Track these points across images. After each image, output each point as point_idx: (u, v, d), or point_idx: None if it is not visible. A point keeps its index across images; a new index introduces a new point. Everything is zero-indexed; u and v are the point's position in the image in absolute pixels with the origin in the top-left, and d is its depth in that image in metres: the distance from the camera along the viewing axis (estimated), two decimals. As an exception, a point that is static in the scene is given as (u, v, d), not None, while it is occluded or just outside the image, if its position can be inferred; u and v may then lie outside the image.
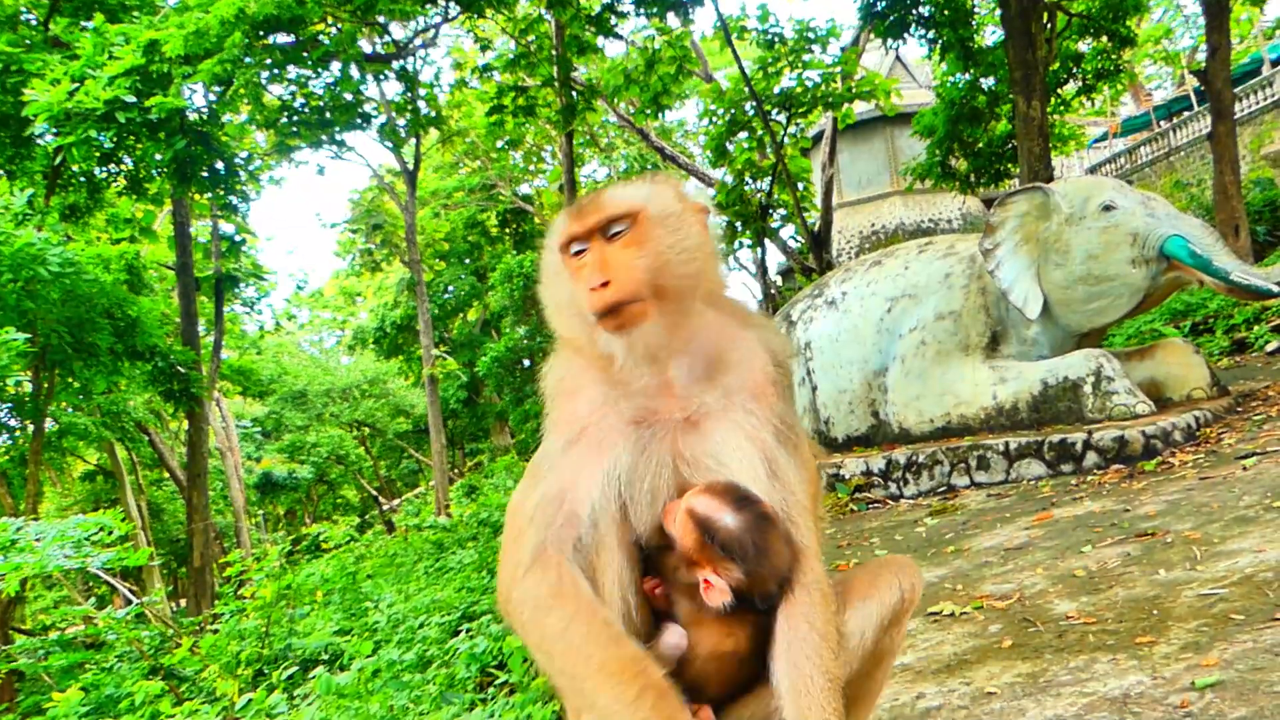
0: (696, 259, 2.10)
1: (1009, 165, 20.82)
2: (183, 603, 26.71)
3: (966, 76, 20.47)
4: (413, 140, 26.35)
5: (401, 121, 21.03)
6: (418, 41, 21.14)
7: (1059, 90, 20.11)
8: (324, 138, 15.56)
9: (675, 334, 2.07)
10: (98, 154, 13.59)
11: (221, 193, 16.04)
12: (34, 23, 17.03)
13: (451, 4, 16.63)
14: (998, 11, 16.37)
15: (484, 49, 21.47)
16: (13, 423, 18.52)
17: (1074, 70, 20.04)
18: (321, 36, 14.04)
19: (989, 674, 3.57)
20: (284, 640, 8.34)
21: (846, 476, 8.53)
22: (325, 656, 7.95)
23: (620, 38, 19.73)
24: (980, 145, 21.14)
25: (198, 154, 14.15)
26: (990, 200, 23.31)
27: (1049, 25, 16.24)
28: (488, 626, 6.13)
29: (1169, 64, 41.31)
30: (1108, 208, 8.25)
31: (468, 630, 6.69)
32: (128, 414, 24.95)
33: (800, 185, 23.90)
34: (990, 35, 21.59)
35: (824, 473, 8.57)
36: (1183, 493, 5.78)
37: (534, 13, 19.76)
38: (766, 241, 25.59)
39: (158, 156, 14.11)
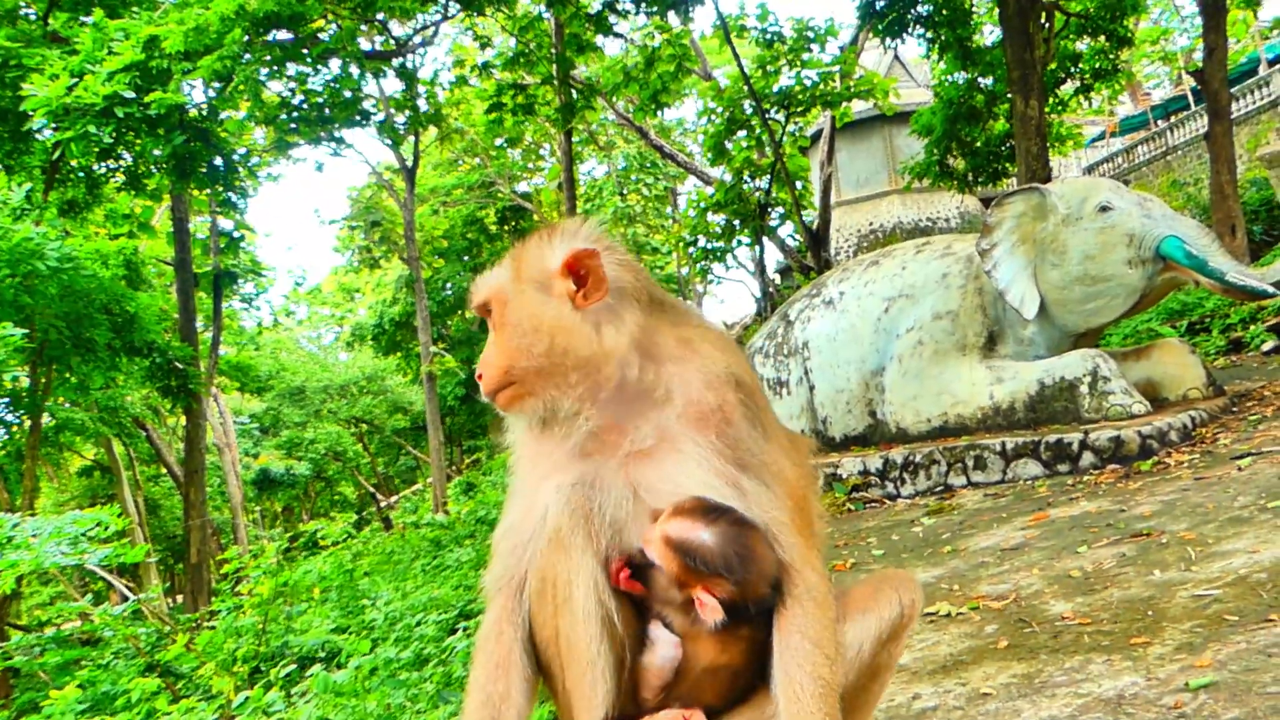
0: (545, 337, 2.06)
1: (1007, 164, 20.82)
2: (179, 599, 26.67)
3: (965, 76, 20.48)
4: (411, 137, 26.35)
5: (400, 118, 21.02)
6: (417, 39, 21.13)
7: (1057, 90, 20.11)
8: (323, 134, 15.57)
9: (579, 393, 2.06)
10: (96, 149, 13.58)
11: (220, 189, 16.06)
12: (33, 17, 17.04)
13: (451, 2, 16.62)
14: (996, 11, 16.38)
15: (483, 47, 21.47)
16: (10, 418, 18.52)
17: (1072, 70, 20.04)
18: (321, 34, 14.04)
19: (985, 675, 3.58)
20: (281, 637, 8.36)
21: (844, 476, 8.54)
22: (322, 654, 7.96)
23: (620, 36, 19.75)
24: (978, 144, 21.14)
25: (197, 150, 14.15)
26: (988, 199, 23.32)
27: (1047, 25, 16.26)
28: (485, 625, 6.12)
29: (1166, 63, 41.34)
30: (1104, 208, 8.27)
31: (465, 629, 6.71)
32: (125, 409, 24.95)
33: (799, 184, 23.94)
34: (988, 35, 21.60)
35: (820, 473, 8.58)
36: (1178, 493, 5.80)
37: (534, 11, 19.75)
38: (765, 240, 25.61)
39: (156, 152, 14.09)
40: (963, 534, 6.20)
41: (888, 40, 19.84)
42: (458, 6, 16.91)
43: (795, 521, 2.05)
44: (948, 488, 8.02)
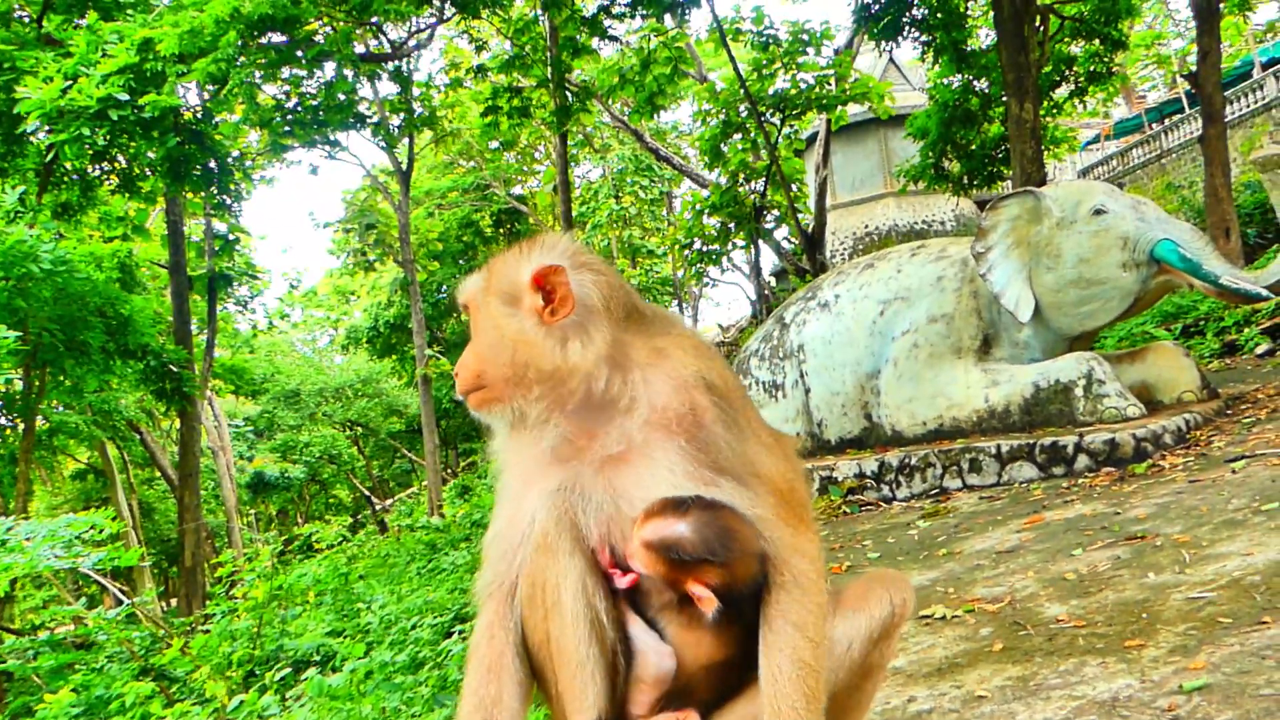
0: (508, 350, 2.10)
1: (1002, 167, 20.87)
2: (173, 603, 26.63)
3: (959, 79, 20.53)
4: (406, 140, 26.34)
5: (395, 121, 21.02)
6: (412, 42, 21.13)
7: (1051, 93, 20.18)
8: (317, 137, 15.56)
9: (545, 403, 2.09)
10: (91, 152, 13.58)
11: (215, 191, 16.04)
12: (27, 20, 17.00)
13: (447, 5, 16.62)
14: (991, 14, 16.41)
15: (479, 50, 21.47)
16: (3, 420, 18.48)
17: (1066, 73, 20.11)
18: (317, 36, 14.03)
19: (980, 677, 3.58)
20: (276, 641, 8.33)
21: (839, 479, 8.55)
22: (317, 658, 7.95)
23: (616, 40, 19.75)
24: (973, 147, 21.18)
25: (191, 153, 14.15)
26: (983, 202, 23.37)
27: (1042, 28, 16.32)
28: (479, 628, 6.11)
29: (1161, 66, 41.45)
30: (1099, 212, 8.29)
31: (460, 632, 6.70)
32: (119, 413, 24.89)
33: (794, 186, 23.95)
34: (983, 38, 21.65)
35: (811, 470, 8.58)
36: (1173, 496, 5.81)
37: (529, 14, 19.76)
38: (760, 243, 25.63)
39: (151, 155, 14.11)
40: (958, 537, 6.20)
41: (883, 43, 19.89)
42: (453, 10, 16.90)
43: (780, 514, 2.06)
44: (943, 490, 8.03)
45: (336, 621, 9.41)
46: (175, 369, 19.04)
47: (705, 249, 25.69)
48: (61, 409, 22.19)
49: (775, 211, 24.74)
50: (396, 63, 18.56)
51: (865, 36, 20.97)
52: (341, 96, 14.95)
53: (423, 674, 5.99)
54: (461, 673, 5.34)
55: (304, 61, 14.11)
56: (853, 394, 9.28)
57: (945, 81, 20.92)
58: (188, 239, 24.34)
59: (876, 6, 18.29)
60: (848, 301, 9.44)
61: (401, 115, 20.27)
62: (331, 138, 16.41)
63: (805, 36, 21.47)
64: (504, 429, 2.23)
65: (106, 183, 17.13)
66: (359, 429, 41.40)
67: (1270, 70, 27.92)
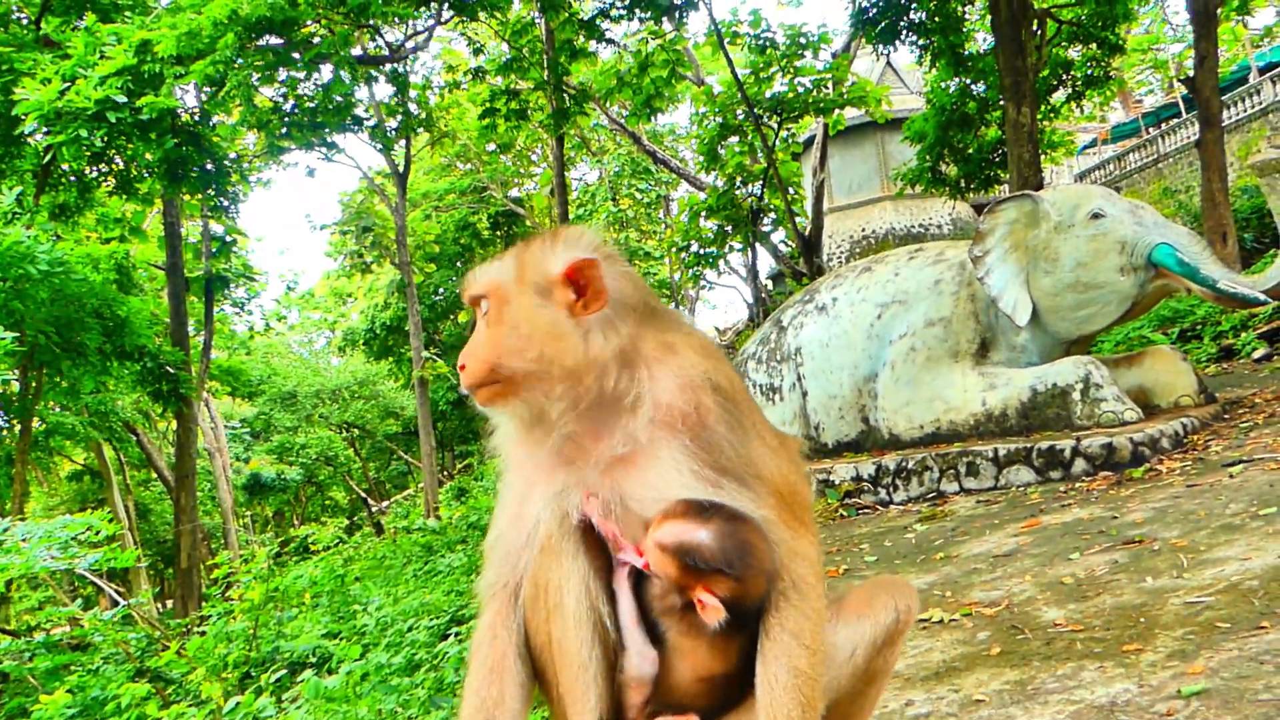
0: (538, 343, 2.06)
1: (999, 171, 20.90)
2: (169, 604, 26.60)
3: (957, 83, 20.56)
4: (403, 142, 26.32)
5: (392, 124, 21.01)
6: (410, 44, 21.13)
7: (1049, 97, 20.21)
8: (314, 139, 15.55)
9: (560, 401, 2.06)
10: (88, 153, 13.55)
11: (212, 193, 16.03)
12: (25, 21, 17.00)
13: (444, 8, 16.62)
14: (988, 18, 16.44)
15: (476, 52, 21.47)
16: (0, 421, 18.44)
17: (1064, 77, 20.16)
18: (314, 39, 14.02)
19: (977, 681, 3.58)
20: (272, 643, 8.32)
21: (836, 482, 8.55)
22: (313, 659, 7.93)
23: (613, 43, 19.77)
24: (970, 151, 21.22)
25: (188, 154, 14.14)
26: (980, 206, 23.40)
27: (1039, 32, 16.34)
28: (476, 630, 6.10)
29: (1158, 71, 41.54)
30: (1096, 216, 8.30)
31: (457, 634, 6.69)
32: (116, 414, 24.85)
33: (791, 190, 23.99)
34: (981, 42, 21.70)
35: (811, 474, 8.58)
36: (1170, 500, 5.81)
37: (526, 17, 19.76)
38: (757, 245, 25.66)
39: (148, 156, 14.08)
40: (955, 540, 6.20)
41: (880, 47, 19.92)
42: (450, 12, 16.90)
43: (781, 517, 2.05)
44: (940, 494, 8.03)
45: (333, 623, 9.38)
46: (172, 370, 19.01)
47: (702, 252, 25.72)
48: (58, 410, 22.17)
49: (772, 214, 24.80)
50: (394, 65, 18.56)
51: (863, 40, 21.02)
52: (339, 99, 14.94)
53: (419, 676, 5.98)
54: (458, 675, 5.35)
55: (301, 64, 14.09)
56: (850, 397, 9.28)
57: (942, 85, 20.97)
58: (185, 240, 24.30)
59: (874, 10, 18.32)
60: (845, 305, 9.44)
61: (398, 117, 20.25)
62: (328, 140, 16.40)
63: (803, 40, 21.54)
64: (510, 426, 2.20)
65: (104, 184, 17.11)
66: (356, 431, 41.35)
67: (1267, 75, 27.99)
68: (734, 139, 23.38)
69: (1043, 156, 18.13)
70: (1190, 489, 5.98)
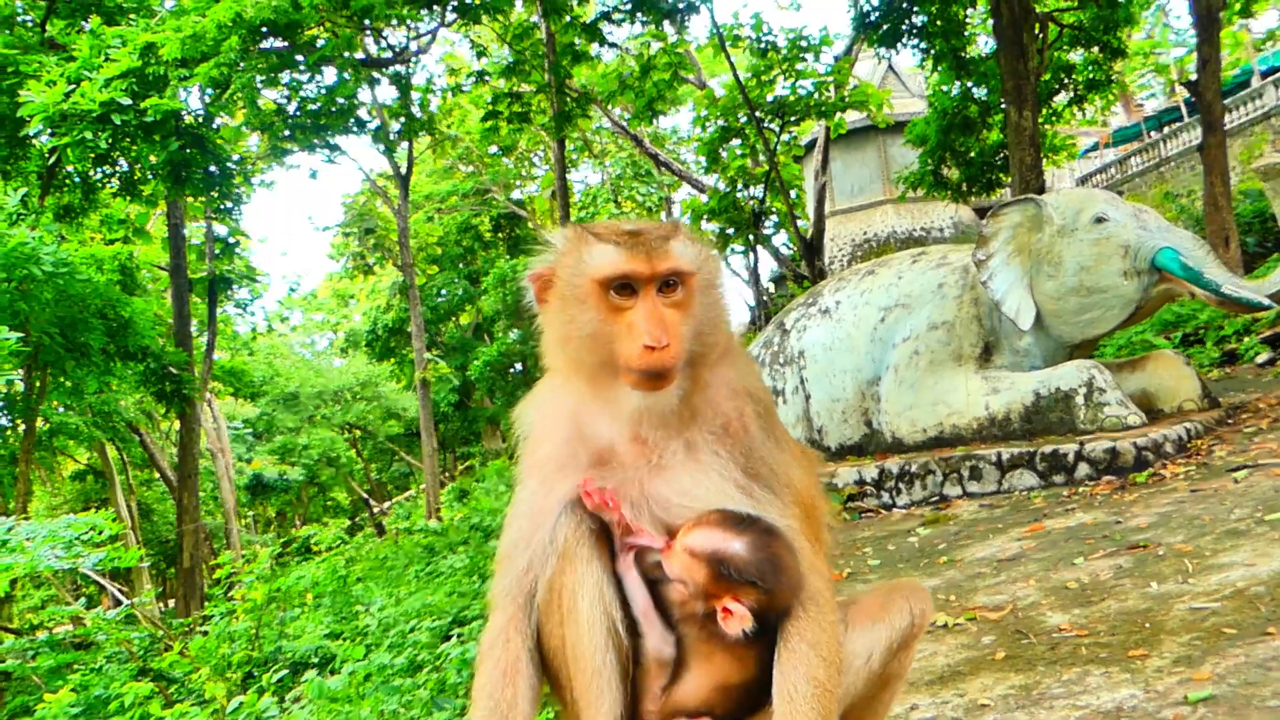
0: (719, 328, 2.10)
1: (1001, 175, 20.91)
2: (171, 604, 26.60)
3: (959, 86, 20.57)
4: (405, 144, 26.35)
5: (395, 126, 21.02)
6: (413, 47, 21.16)
7: (1050, 100, 20.20)
8: (317, 141, 15.57)
9: (679, 394, 2.04)
10: (93, 155, 13.60)
11: (215, 195, 16.05)
12: (31, 24, 17.03)
13: (448, 11, 16.65)
14: (990, 22, 16.45)
15: (479, 55, 21.50)
16: (4, 421, 18.48)
17: (1065, 81, 20.15)
18: (318, 41, 14.05)
19: (982, 685, 3.59)
20: (274, 643, 8.33)
21: (839, 486, 8.55)
22: (315, 660, 7.94)
23: (615, 46, 19.79)
24: (972, 155, 21.22)
25: (192, 156, 14.17)
26: (982, 210, 23.42)
27: (1041, 36, 16.34)
28: (479, 632, 6.11)
29: (1160, 74, 41.54)
30: (1100, 220, 8.30)
31: (459, 635, 6.70)
32: (119, 414, 24.90)
33: (793, 193, 23.99)
34: (983, 45, 21.70)
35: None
36: (1174, 505, 5.81)
37: (528, 20, 19.79)
38: (759, 248, 25.68)
39: (152, 158, 14.13)
40: (959, 544, 6.21)
41: (882, 51, 19.93)
42: (454, 15, 16.92)
43: (803, 528, 2.07)
44: (943, 498, 8.03)
45: (335, 624, 9.39)
46: (175, 371, 19.05)
47: (704, 254, 25.65)
48: (62, 410, 22.18)
49: (774, 217, 24.79)
50: (397, 68, 18.58)
51: (865, 44, 21.03)
52: (342, 101, 14.97)
53: (421, 677, 5.98)
54: (460, 676, 5.36)
55: (305, 66, 14.13)
56: (853, 400, 9.28)
57: (944, 89, 20.97)
58: (188, 242, 24.35)
59: (876, 14, 18.33)
60: (849, 308, 9.44)
61: (401, 120, 20.25)
62: (331, 142, 16.41)
63: (804, 43, 21.54)
64: (536, 429, 2.21)
65: (108, 186, 17.14)
66: (357, 432, 41.41)
67: (1270, 79, 27.99)
68: (736, 142, 23.39)
69: (1044, 160, 18.13)
70: (1195, 494, 5.98)
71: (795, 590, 1.99)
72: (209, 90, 13.86)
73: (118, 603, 12.30)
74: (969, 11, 20.04)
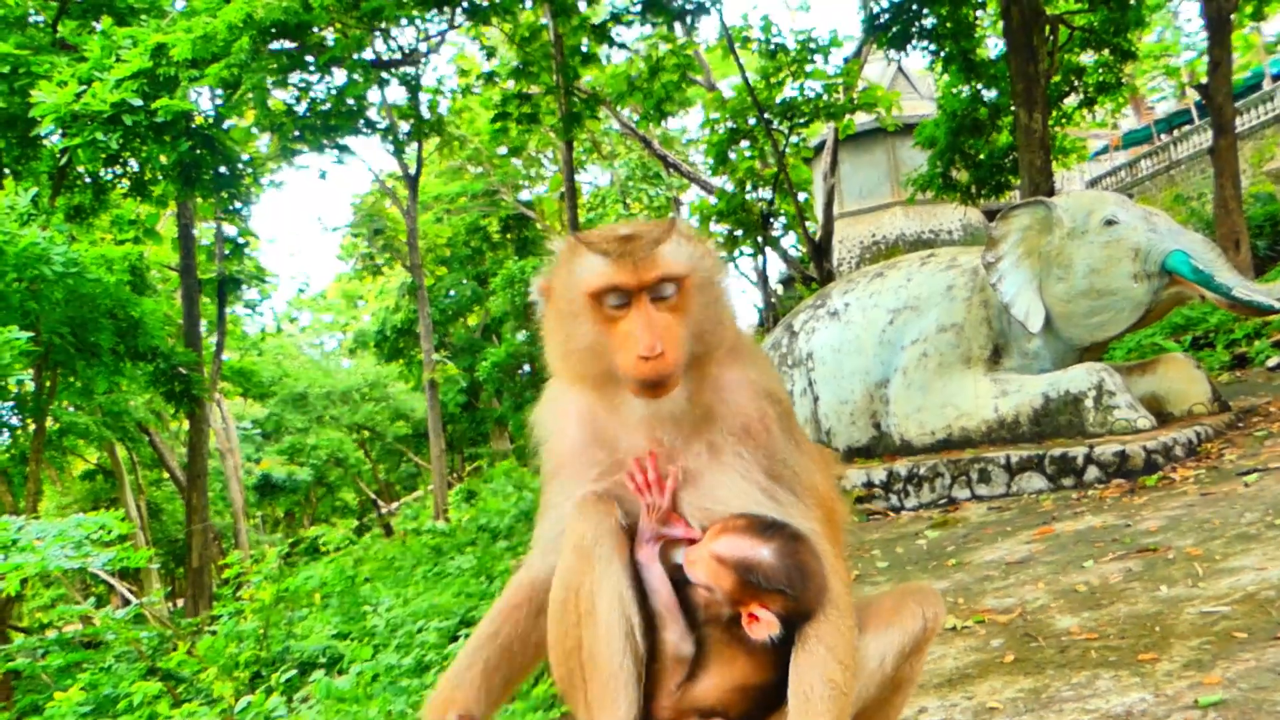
0: (722, 324, 2.08)
1: (1010, 177, 20.85)
2: (180, 603, 26.66)
3: (968, 88, 20.52)
4: (414, 145, 26.40)
5: (404, 127, 21.07)
6: (423, 48, 21.20)
7: (1060, 103, 20.14)
8: (327, 142, 15.62)
9: (687, 395, 2.04)
10: (103, 156, 13.67)
11: (225, 195, 16.12)
12: (42, 25, 17.11)
13: (457, 12, 16.68)
14: (1000, 24, 16.42)
15: (489, 56, 21.54)
16: (14, 421, 18.56)
17: (1075, 83, 20.08)
18: (328, 42, 14.10)
19: (991, 689, 3.58)
20: (282, 643, 8.36)
21: (847, 488, 8.53)
22: (324, 660, 7.97)
23: (624, 47, 19.81)
24: (981, 157, 21.16)
25: (202, 157, 14.23)
26: (991, 212, 23.36)
27: (1051, 38, 16.29)
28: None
29: (1170, 77, 41.42)
30: (1110, 222, 8.27)
31: (466, 636, 6.71)
32: (129, 414, 24.96)
33: (801, 195, 23.99)
34: (992, 48, 21.64)
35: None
36: (1184, 509, 5.79)
37: (537, 22, 19.81)
38: (767, 250, 25.65)
39: (163, 159, 14.18)
40: (967, 547, 6.19)
41: (892, 53, 19.90)
42: (463, 16, 16.96)
43: (824, 531, 2.07)
44: (952, 500, 8.01)
45: (343, 624, 9.41)
46: (184, 371, 19.12)
47: (712, 256, 25.64)
48: (72, 410, 22.27)
49: (782, 219, 24.79)
50: (406, 69, 18.63)
51: (874, 46, 21.01)
52: (351, 102, 15.01)
53: (429, 677, 6.00)
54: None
55: (315, 67, 14.17)
56: (861, 403, 9.27)
57: (954, 91, 20.92)
58: (198, 242, 24.43)
59: (885, 16, 18.31)
60: (857, 310, 9.43)
61: (410, 121, 20.31)
62: (340, 143, 16.46)
63: (813, 45, 21.52)
64: (558, 431, 2.23)
65: (119, 186, 17.23)
66: (366, 432, 41.45)
67: (1281, 82, 27.91)
68: (744, 143, 23.38)
69: (1054, 162, 18.08)
70: (1205, 497, 5.96)
71: (820, 596, 1.99)
72: (219, 91, 13.92)
73: (127, 602, 12.35)
74: (979, 14, 20.00)
